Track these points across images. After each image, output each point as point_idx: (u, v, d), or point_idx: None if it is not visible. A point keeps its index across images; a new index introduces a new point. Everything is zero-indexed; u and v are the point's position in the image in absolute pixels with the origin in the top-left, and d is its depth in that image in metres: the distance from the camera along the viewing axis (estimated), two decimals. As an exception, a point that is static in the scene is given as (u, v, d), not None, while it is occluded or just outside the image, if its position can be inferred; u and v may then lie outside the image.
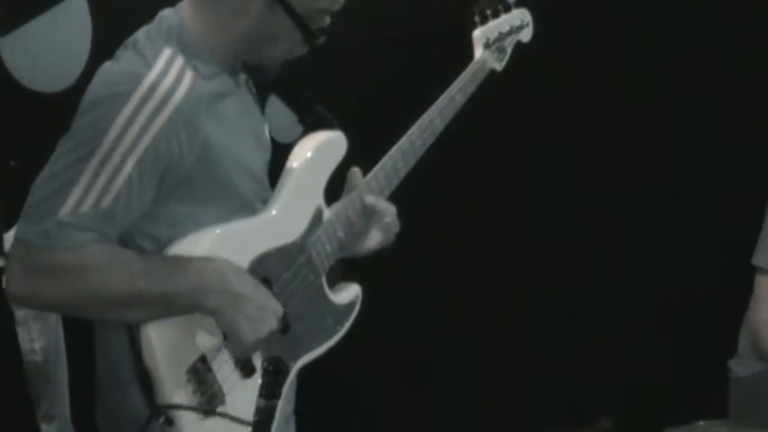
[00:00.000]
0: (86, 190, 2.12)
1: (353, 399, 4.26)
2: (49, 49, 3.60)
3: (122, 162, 2.13)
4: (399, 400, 4.32)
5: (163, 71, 2.19)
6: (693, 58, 4.26)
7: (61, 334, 3.73)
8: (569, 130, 4.26)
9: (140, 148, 2.14)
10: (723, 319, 3.50)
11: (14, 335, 3.60)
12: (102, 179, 2.12)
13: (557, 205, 4.32)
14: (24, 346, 3.71)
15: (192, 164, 2.21)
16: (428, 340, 4.32)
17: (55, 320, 3.75)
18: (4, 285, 2.19)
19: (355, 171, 2.56)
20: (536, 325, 4.32)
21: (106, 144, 2.12)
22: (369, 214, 2.56)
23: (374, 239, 2.59)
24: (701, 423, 2.97)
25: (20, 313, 3.70)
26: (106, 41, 3.61)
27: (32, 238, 2.12)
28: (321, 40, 2.37)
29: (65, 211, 2.11)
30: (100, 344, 2.34)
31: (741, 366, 3.38)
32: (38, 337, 3.70)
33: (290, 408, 2.53)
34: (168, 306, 2.20)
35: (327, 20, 2.36)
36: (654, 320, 4.35)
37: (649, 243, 4.37)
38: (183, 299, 2.20)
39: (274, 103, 4.08)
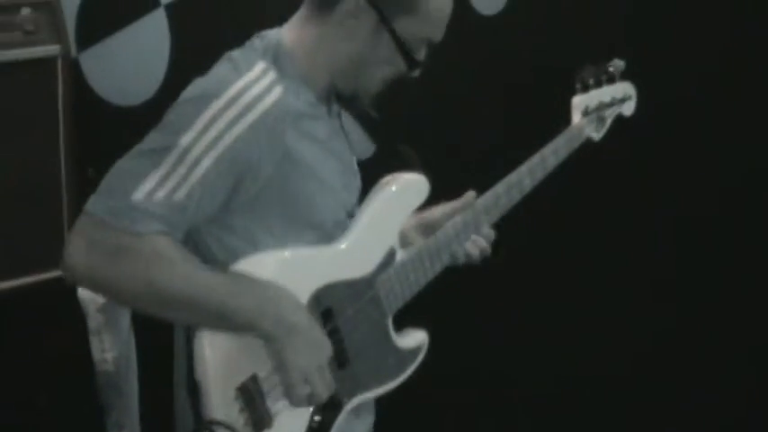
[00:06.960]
0: (163, 178, 2.11)
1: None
2: (129, 63, 3.66)
3: (201, 158, 2.12)
4: (395, 396, 4.31)
5: (253, 80, 2.20)
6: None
7: (133, 346, 3.78)
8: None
9: (220, 148, 2.13)
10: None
11: (87, 343, 3.65)
12: (180, 171, 2.12)
13: (554, 205, 4.27)
14: (97, 355, 3.75)
15: (271, 175, 2.20)
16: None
17: (127, 332, 3.80)
18: (64, 256, 2.11)
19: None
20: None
21: (188, 138, 2.12)
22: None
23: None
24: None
25: (93, 323, 3.75)
26: (184, 57, 3.69)
27: (100, 213, 2.09)
28: (418, 72, 2.35)
29: (139, 195, 2.09)
30: (175, 346, 2.36)
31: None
32: (110, 347, 3.75)
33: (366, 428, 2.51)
34: (221, 319, 2.17)
35: (425, 51, 2.35)
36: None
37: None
38: (240, 316, 2.16)
39: (346, 119, 4.10)
